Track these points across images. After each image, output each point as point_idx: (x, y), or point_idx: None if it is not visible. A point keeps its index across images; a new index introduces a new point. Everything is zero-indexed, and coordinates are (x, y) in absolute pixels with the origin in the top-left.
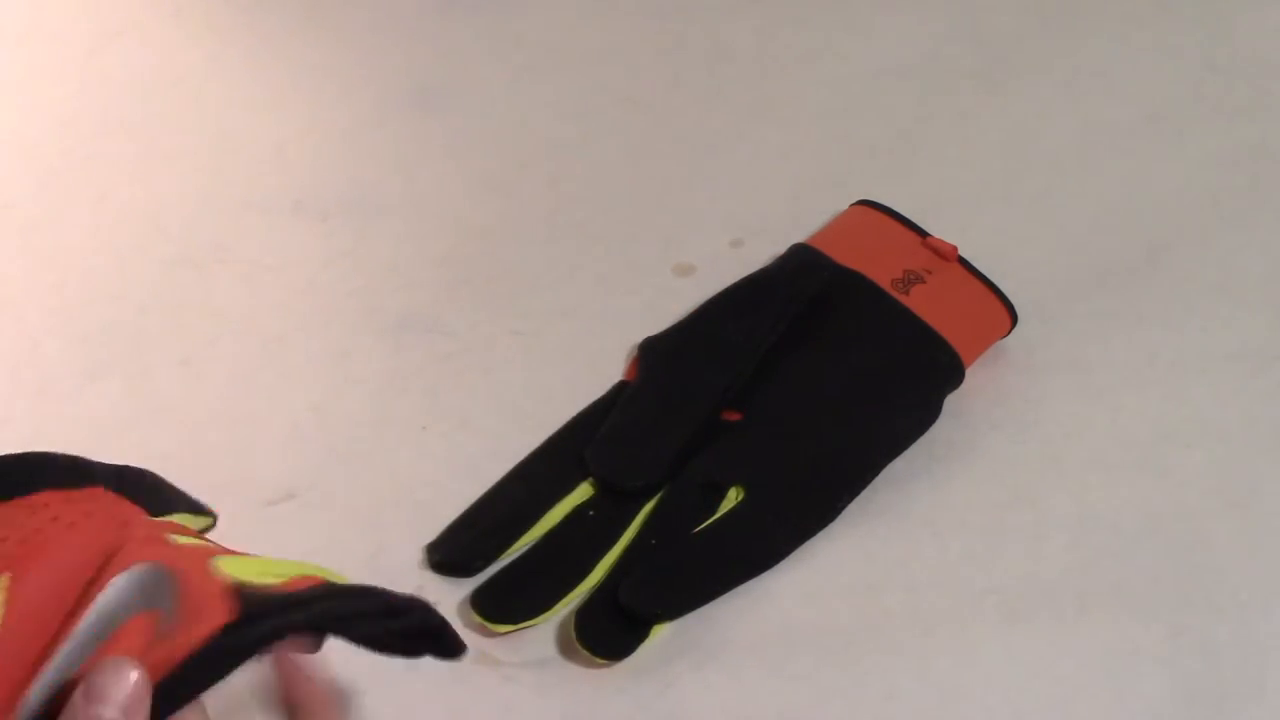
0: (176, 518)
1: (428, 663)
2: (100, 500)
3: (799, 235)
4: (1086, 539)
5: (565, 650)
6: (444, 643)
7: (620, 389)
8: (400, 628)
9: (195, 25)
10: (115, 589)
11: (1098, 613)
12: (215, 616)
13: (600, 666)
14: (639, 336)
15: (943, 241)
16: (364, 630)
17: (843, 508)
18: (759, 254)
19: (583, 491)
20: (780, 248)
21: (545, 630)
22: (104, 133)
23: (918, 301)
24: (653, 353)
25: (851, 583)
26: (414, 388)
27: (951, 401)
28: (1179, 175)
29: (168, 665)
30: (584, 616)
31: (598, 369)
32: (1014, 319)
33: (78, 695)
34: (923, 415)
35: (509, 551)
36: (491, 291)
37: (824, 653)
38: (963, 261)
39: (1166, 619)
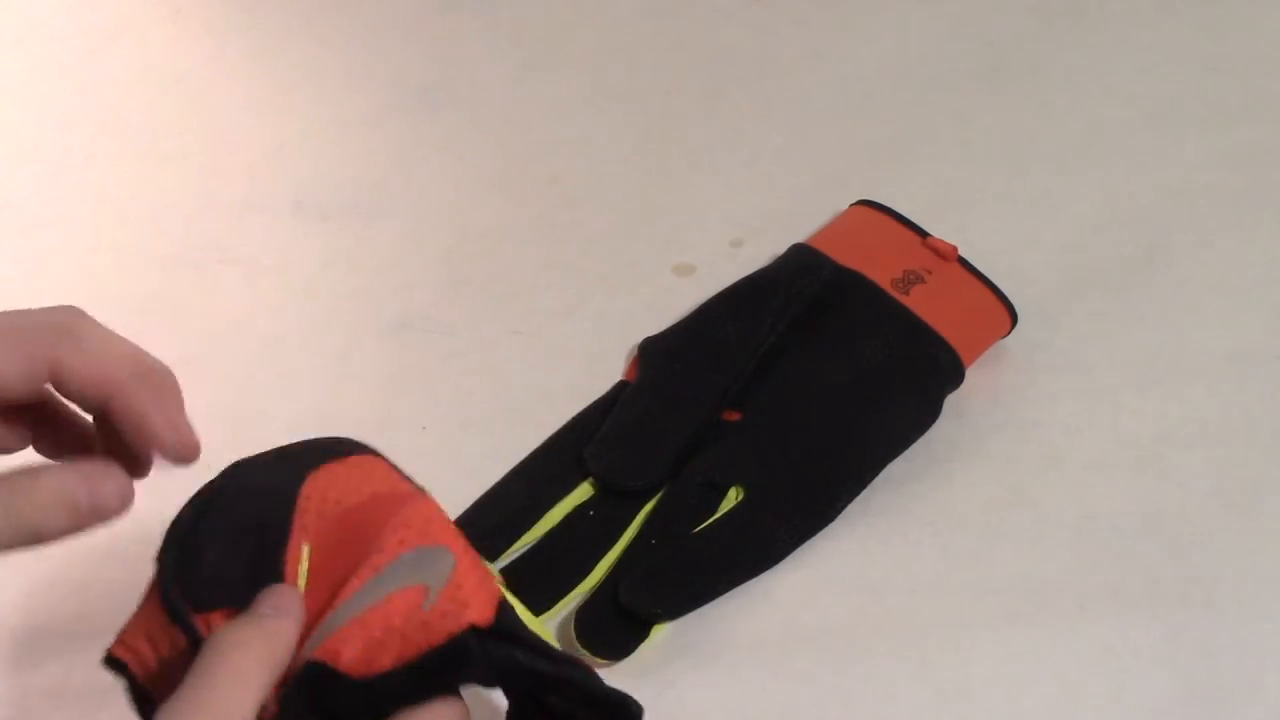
0: None
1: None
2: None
3: (799, 235)
4: (1086, 539)
5: (565, 650)
6: None
7: (620, 389)
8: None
9: (195, 25)
10: (401, 563)
11: (1098, 613)
12: (473, 615)
13: (600, 666)
14: (639, 336)
15: (943, 241)
16: (566, 706)
17: (843, 508)
18: (759, 254)
19: (583, 491)
20: (780, 248)
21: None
22: (104, 133)
23: (918, 301)
24: (653, 353)
25: (851, 583)
26: (414, 388)
27: (951, 401)
28: (1179, 175)
29: (415, 649)
30: (584, 616)
31: (598, 369)
32: (1014, 319)
33: (245, 614)
34: (923, 415)
35: (509, 551)
36: (491, 291)
37: (824, 653)
38: (963, 261)
39: (1166, 619)
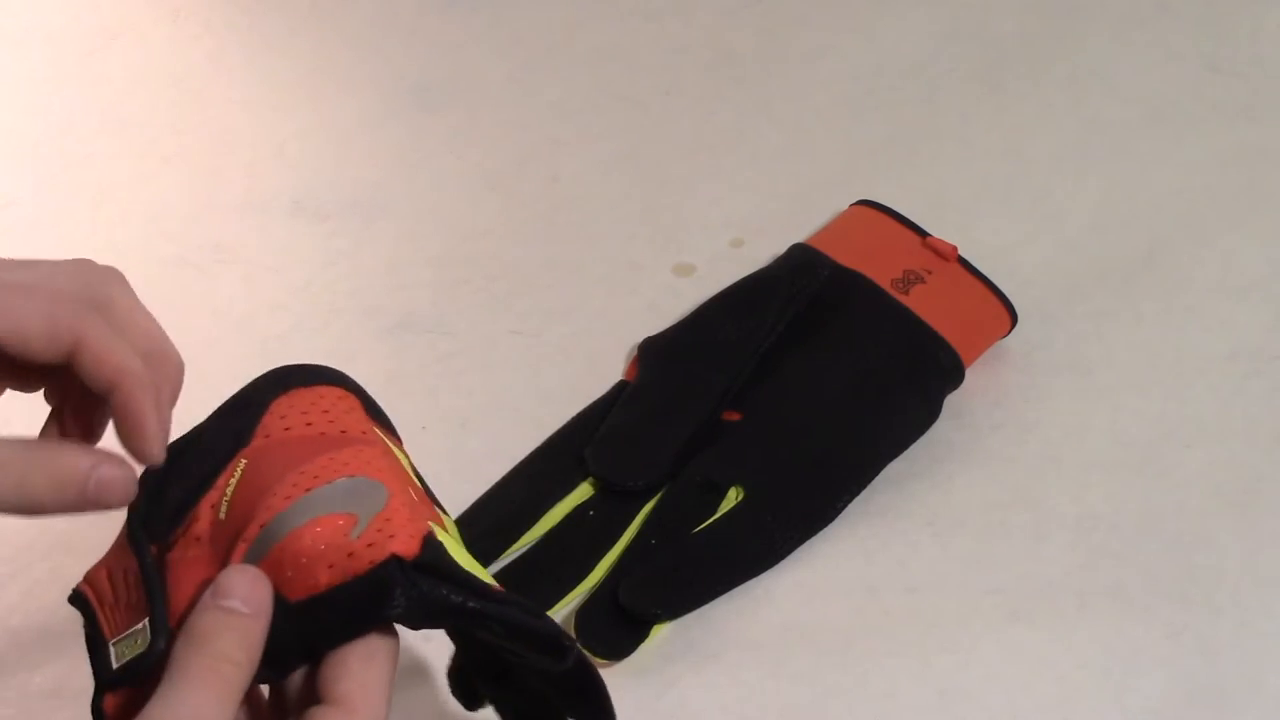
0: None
1: (428, 663)
2: (336, 398)
3: (799, 235)
4: (1086, 539)
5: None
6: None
7: (620, 389)
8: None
9: (194, 26)
10: (334, 488)
11: (1098, 613)
12: (398, 546)
13: (600, 666)
14: (639, 336)
15: (943, 241)
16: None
17: (843, 508)
18: (759, 254)
19: (583, 491)
20: (780, 248)
21: None
22: (104, 133)
23: (918, 301)
24: (653, 353)
25: (851, 583)
26: (414, 388)
27: (951, 401)
28: (1179, 175)
29: (340, 577)
30: (584, 616)
31: (598, 369)
32: (1014, 319)
33: (207, 594)
34: (923, 415)
35: (509, 551)
36: (491, 291)
37: (824, 653)
38: (963, 261)
39: (1166, 619)
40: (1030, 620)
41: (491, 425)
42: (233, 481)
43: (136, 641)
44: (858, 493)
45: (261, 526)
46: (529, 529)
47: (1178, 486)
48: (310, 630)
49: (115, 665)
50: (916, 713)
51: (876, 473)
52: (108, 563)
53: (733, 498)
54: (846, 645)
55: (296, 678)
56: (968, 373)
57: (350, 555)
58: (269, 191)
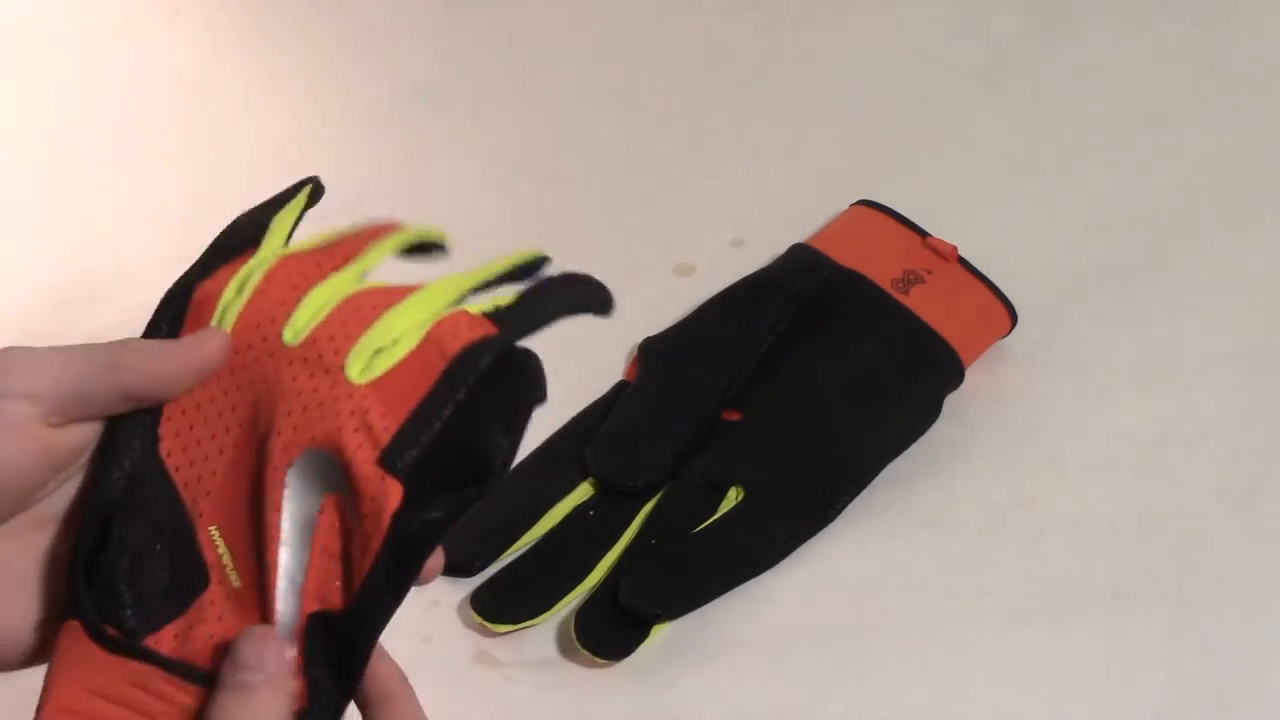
0: (276, 220)
1: (428, 663)
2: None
3: (799, 235)
4: (1086, 539)
5: (565, 650)
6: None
7: (620, 389)
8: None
9: (195, 25)
10: (295, 480)
11: (1098, 613)
12: (392, 502)
13: (600, 666)
14: (639, 336)
15: (943, 241)
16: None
17: (843, 508)
18: (759, 254)
19: (583, 491)
20: (780, 248)
21: (545, 630)
22: (104, 133)
23: (918, 301)
24: (653, 353)
25: (851, 583)
26: None
27: (951, 401)
28: (1179, 175)
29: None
30: (584, 616)
31: (598, 369)
32: (1014, 319)
33: (225, 666)
34: (923, 415)
35: (509, 551)
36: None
37: (824, 653)
38: (963, 261)
39: (1166, 619)
40: (1030, 620)
41: None
42: (222, 551)
43: None
44: (858, 493)
45: (275, 588)
46: (529, 529)
47: (1178, 486)
48: (364, 618)
49: None
50: (916, 713)
51: (876, 473)
52: (89, 682)
53: (733, 498)
54: (846, 645)
55: None
56: (968, 373)
57: (363, 539)
58: (269, 191)
